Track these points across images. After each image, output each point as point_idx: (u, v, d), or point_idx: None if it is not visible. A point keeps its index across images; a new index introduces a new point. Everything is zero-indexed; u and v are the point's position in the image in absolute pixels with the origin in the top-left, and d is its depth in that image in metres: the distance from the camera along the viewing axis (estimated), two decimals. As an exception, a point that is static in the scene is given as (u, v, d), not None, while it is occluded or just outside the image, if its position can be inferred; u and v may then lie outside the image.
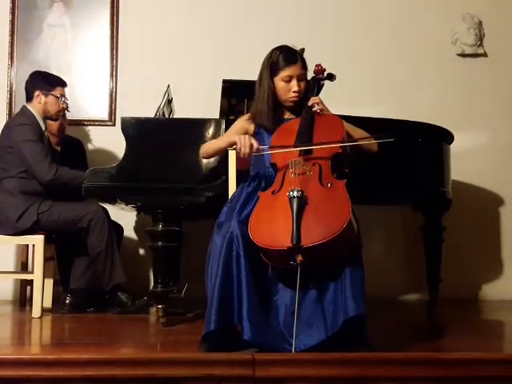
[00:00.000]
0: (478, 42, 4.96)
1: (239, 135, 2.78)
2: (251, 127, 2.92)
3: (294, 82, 2.85)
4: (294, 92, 2.86)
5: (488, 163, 4.89)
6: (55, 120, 4.13)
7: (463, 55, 4.99)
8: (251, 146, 2.73)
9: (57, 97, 4.02)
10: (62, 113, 4.11)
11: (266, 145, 2.84)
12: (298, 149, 2.71)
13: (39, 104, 3.98)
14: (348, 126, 2.85)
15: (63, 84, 4.09)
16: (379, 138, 2.84)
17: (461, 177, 4.67)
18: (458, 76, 4.96)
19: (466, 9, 4.96)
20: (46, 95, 3.99)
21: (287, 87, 2.86)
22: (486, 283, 4.87)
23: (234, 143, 2.78)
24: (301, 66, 2.87)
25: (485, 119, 4.95)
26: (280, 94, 2.87)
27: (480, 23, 4.97)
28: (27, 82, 4.05)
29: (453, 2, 4.96)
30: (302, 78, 2.88)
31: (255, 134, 2.92)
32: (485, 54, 5.00)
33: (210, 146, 3.00)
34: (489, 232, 4.93)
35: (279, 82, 2.86)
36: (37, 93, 3.98)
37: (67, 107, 4.12)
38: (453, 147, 4.18)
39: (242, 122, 2.96)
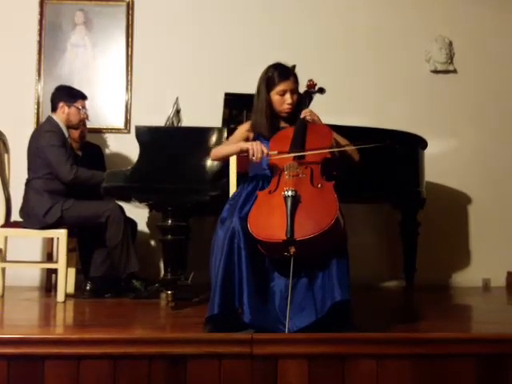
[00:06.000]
0: (449, 60, 4.97)
1: (251, 143, 2.75)
2: (250, 135, 2.92)
3: (287, 96, 2.85)
4: (288, 104, 2.85)
5: (457, 166, 4.89)
6: (76, 128, 4.11)
7: (436, 71, 4.99)
8: (262, 151, 2.71)
9: (78, 108, 4.01)
10: (82, 122, 4.11)
11: (264, 150, 2.84)
12: (294, 154, 2.71)
13: (63, 114, 3.97)
14: (336, 136, 2.85)
15: (84, 97, 4.08)
16: (361, 146, 2.85)
17: (433, 178, 4.67)
18: (431, 90, 4.96)
19: (438, 31, 4.97)
20: (69, 106, 3.98)
21: (282, 100, 2.85)
22: (455, 272, 4.87)
23: (246, 150, 2.74)
24: (293, 80, 2.87)
25: (454, 128, 4.95)
26: (276, 106, 2.87)
27: (450, 43, 4.97)
28: (53, 94, 4.04)
29: (427, 26, 4.97)
30: (294, 91, 2.87)
31: (253, 140, 2.92)
32: (455, 71, 5.01)
33: (221, 151, 2.95)
34: (458, 227, 4.93)
35: (275, 96, 2.85)
36: (61, 104, 3.97)
37: (87, 117, 4.12)
38: (427, 152, 4.18)
39: (242, 131, 2.95)
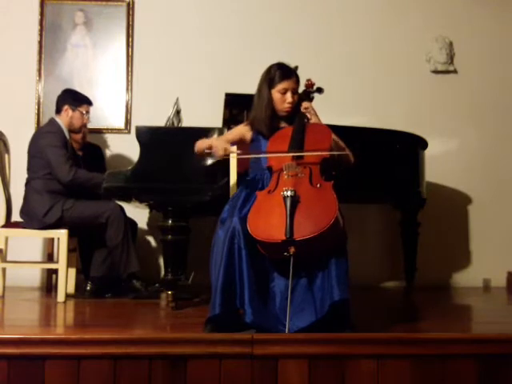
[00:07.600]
0: (449, 61, 4.97)
1: (215, 139, 2.80)
2: (249, 134, 2.92)
3: (288, 94, 2.86)
4: (288, 103, 2.86)
5: (457, 166, 4.89)
6: (77, 133, 4.11)
7: (436, 72, 4.99)
8: (224, 149, 2.73)
9: (82, 113, 4.02)
10: (83, 126, 4.12)
11: (263, 149, 2.84)
12: (284, 155, 2.71)
13: (66, 117, 3.98)
14: (334, 137, 2.85)
15: (89, 103, 4.10)
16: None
17: (434, 178, 4.67)
18: (431, 90, 4.96)
19: (439, 31, 4.96)
20: (73, 110, 3.99)
21: (282, 98, 2.86)
22: (455, 272, 4.87)
23: (211, 146, 2.77)
24: (295, 80, 2.89)
25: (454, 128, 4.95)
26: (276, 105, 2.88)
27: (451, 44, 4.97)
28: (59, 97, 4.05)
29: (427, 26, 4.97)
30: (295, 91, 2.89)
31: (252, 141, 2.92)
32: (455, 71, 5.01)
33: (198, 144, 2.94)
34: (458, 227, 4.93)
35: (276, 94, 2.86)
36: (65, 107, 3.98)
37: (88, 120, 4.13)
38: (427, 152, 4.19)
39: (241, 129, 2.96)
